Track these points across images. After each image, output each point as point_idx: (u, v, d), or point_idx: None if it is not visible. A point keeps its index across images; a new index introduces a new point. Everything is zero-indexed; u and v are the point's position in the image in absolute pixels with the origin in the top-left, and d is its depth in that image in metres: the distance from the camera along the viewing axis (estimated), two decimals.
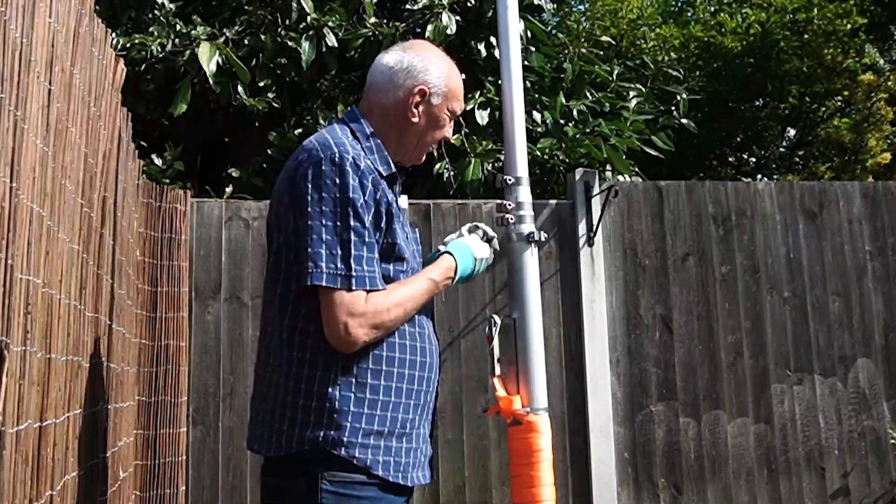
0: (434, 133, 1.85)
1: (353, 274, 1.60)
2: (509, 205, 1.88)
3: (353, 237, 1.61)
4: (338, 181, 1.62)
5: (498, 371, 1.81)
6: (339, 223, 1.61)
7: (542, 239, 1.88)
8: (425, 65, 1.81)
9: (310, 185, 1.63)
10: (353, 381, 1.63)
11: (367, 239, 1.62)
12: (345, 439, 1.60)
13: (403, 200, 1.88)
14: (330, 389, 1.62)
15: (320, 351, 1.64)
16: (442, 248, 1.87)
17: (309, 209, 1.62)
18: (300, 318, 1.66)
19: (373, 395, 1.64)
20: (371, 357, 1.65)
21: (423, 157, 1.90)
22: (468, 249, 1.86)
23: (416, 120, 1.80)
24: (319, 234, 1.61)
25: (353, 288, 1.59)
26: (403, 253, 1.72)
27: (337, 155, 1.64)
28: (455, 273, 1.81)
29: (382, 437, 1.64)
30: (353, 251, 1.60)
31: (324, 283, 1.59)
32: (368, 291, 1.62)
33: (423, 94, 1.79)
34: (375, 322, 1.62)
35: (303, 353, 1.65)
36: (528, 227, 1.87)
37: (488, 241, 1.94)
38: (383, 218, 1.66)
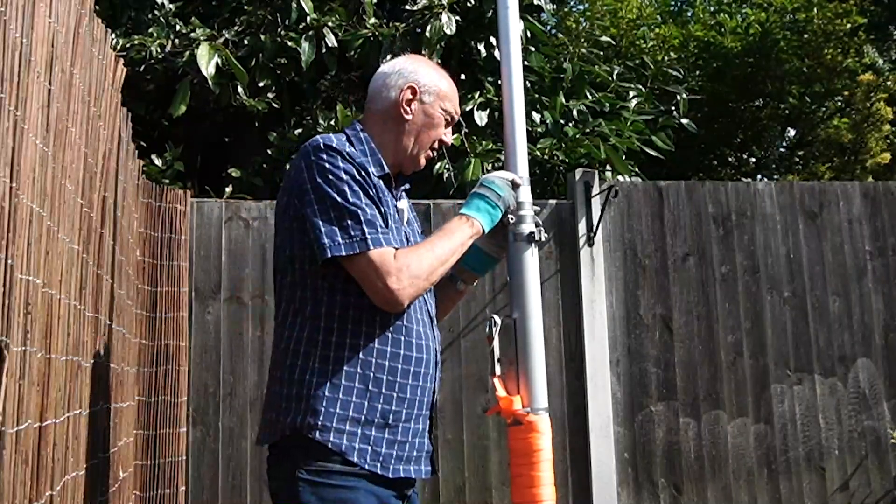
0: (430, 131, 1.87)
1: (367, 237, 1.65)
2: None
3: (356, 209, 1.66)
4: (328, 165, 1.69)
5: (498, 371, 1.81)
6: (339, 199, 1.67)
7: (544, 239, 1.88)
8: (415, 67, 1.89)
9: (305, 176, 1.70)
10: (329, 369, 1.68)
11: (367, 208, 1.68)
12: (319, 423, 1.64)
13: (404, 203, 1.88)
14: (307, 377, 1.68)
15: (302, 342, 1.71)
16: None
17: (309, 196, 1.69)
18: (290, 312, 1.74)
19: (348, 382, 1.68)
20: (347, 347, 1.69)
21: (424, 162, 1.90)
22: (483, 185, 1.84)
23: (409, 117, 1.85)
24: (326, 213, 1.66)
25: (372, 248, 1.64)
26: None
27: (323, 144, 1.72)
28: (476, 212, 1.79)
29: (360, 425, 1.67)
30: (361, 217, 1.66)
31: (343, 253, 1.64)
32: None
33: (414, 92, 1.85)
34: (412, 272, 1.66)
35: (288, 344, 1.73)
36: (528, 227, 1.86)
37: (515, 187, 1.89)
38: (374, 198, 1.72)
